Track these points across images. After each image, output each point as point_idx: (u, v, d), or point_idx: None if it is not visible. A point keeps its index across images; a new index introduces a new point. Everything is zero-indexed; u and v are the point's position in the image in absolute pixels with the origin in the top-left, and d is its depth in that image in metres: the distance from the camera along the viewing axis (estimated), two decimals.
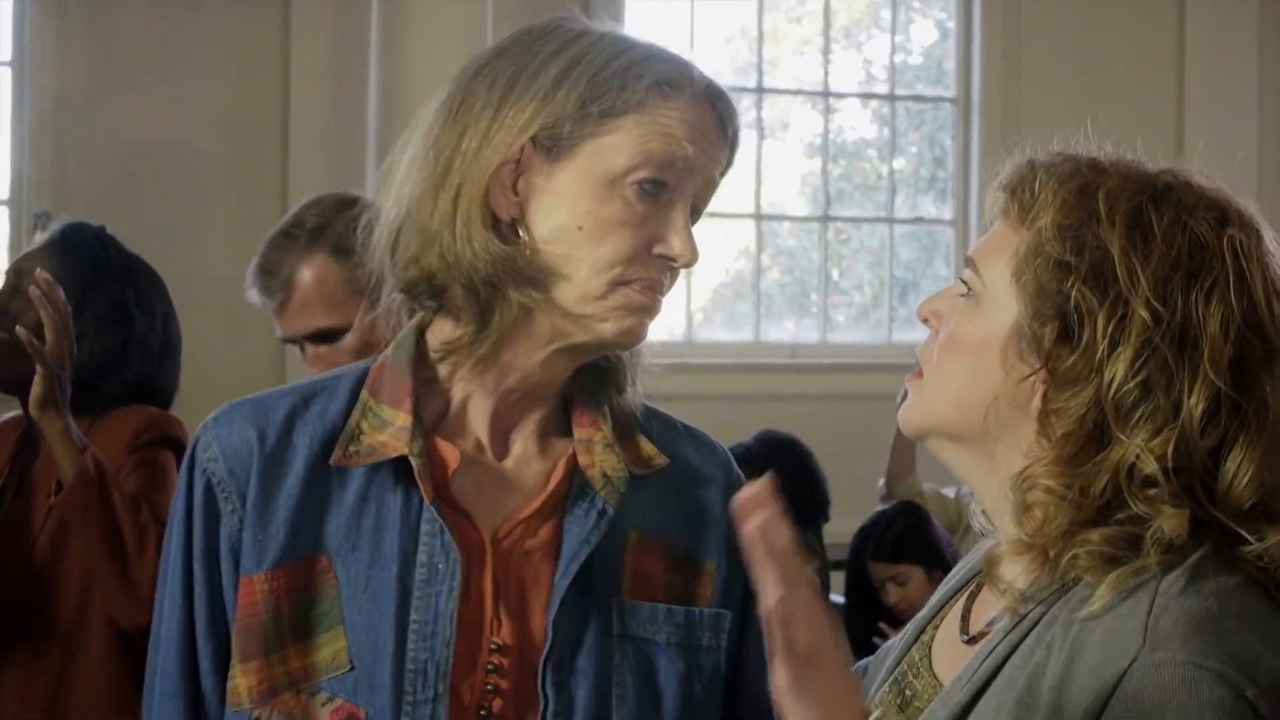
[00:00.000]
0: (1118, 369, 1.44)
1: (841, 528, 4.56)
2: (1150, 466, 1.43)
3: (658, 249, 1.56)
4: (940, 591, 1.73)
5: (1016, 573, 1.50)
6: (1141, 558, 1.42)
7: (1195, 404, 1.43)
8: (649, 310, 1.58)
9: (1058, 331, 1.47)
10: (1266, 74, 6.50)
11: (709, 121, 1.58)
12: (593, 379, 1.66)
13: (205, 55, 5.49)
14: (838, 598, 4.65)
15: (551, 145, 1.53)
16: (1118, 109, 5.99)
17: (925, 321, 1.62)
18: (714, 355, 6.30)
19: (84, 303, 2.89)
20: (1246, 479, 1.45)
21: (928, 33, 7.03)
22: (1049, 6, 6.58)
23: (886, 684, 1.66)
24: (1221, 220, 1.49)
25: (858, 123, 6.93)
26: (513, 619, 1.57)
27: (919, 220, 6.89)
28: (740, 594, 1.70)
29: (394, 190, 1.60)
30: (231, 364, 4.60)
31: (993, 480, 1.54)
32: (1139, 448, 1.43)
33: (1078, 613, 1.44)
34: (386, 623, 1.54)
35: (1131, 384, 1.43)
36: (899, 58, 6.95)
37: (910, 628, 1.72)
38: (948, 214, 6.90)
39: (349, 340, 2.61)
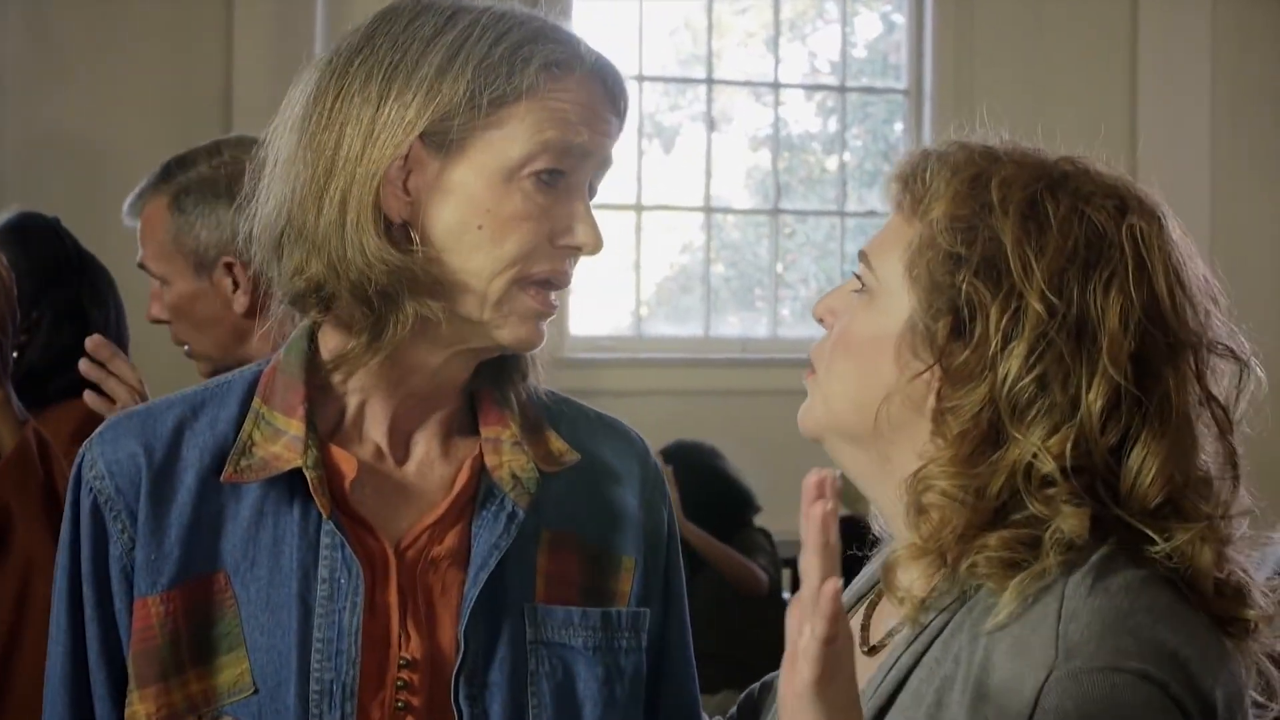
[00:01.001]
0: (1011, 365, 1.39)
1: (792, 524, 4.51)
2: (1048, 465, 1.38)
3: (562, 240, 1.50)
4: (853, 589, 1.68)
5: (914, 578, 1.45)
6: (1041, 560, 1.37)
7: (1094, 400, 1.38)
8: (545, 315, 1.52)
9: (950, 326, 1.42)
10: (1220, 62, 6.49)
11: (600, 100, 1.51)
12: (496, 369, 1.60)
13: (146, 44, 5.40)
14: (790, 596, 4.63)
15: (441, 141, 1.46)
16: (1070, 99, 6.03)
17: (821, 321, 1.57)
18: (663, 350, 6.20)
19: (41, 297, 2.85)
20: (1150, 477, 1.39)
21: (872, 26, 7.02)
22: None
23: None
24: (1121, 208, 1.44)
25: (801, 116, 6.91)
26: (421, 632, 1.52)
27: (871, 214, 6.89)
28: (661, 590, 1.65)
29: (270, 189, 1.53)
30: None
31: (888, 483, 1.48)
32: (1035, 446, 1.38)
33: (983, 624, 1.38)
34: (289, 642, 1.48)
35: (1026, 380, 1.39)
36: (848, 51, 6.93)
37: None
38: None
39: (167, 299, 2.55)
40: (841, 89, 6.89)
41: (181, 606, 1.49)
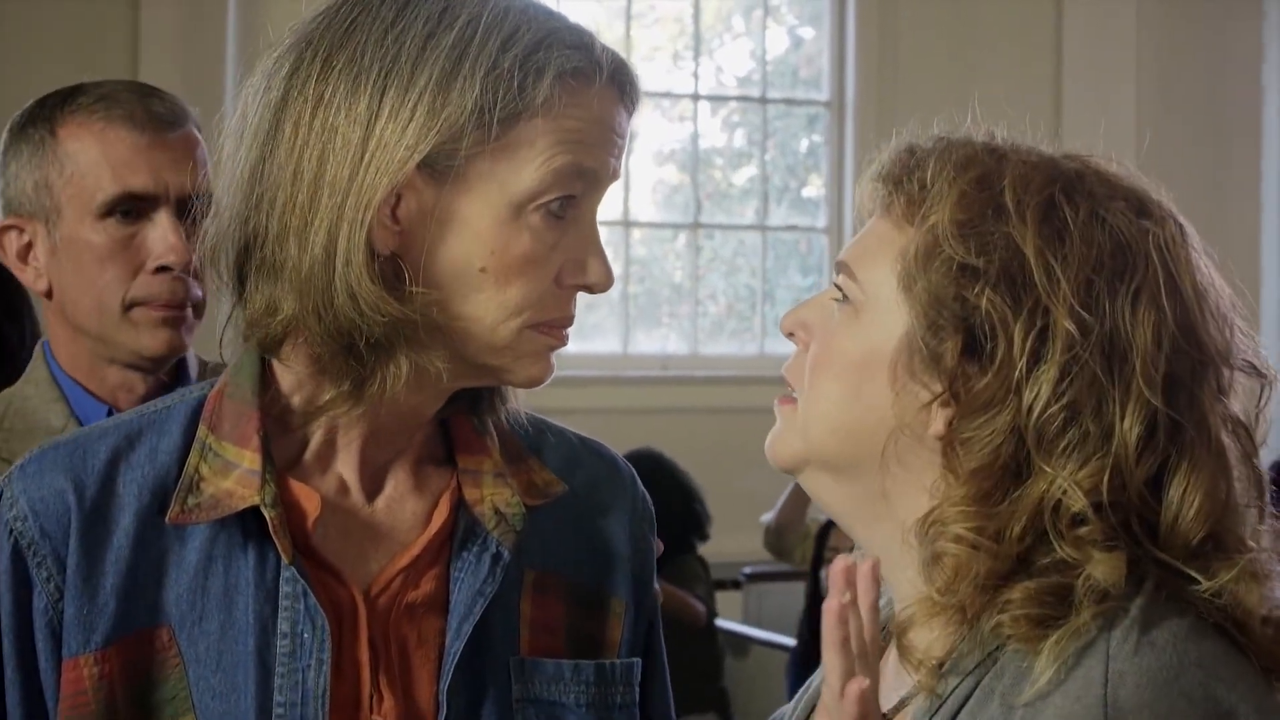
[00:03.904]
0: (1040, 390, 1.24)
1: (721, 547, 4.45)
2: (1079, 503, 1.23)
3: (571, 279, 1.33)
4: None
5: (931, 638, 1.29)
6: (1075, 616, 1.22)
7: (1129, 427, 1.24)
8: (556, 348, 1.35)
9: (961, 346, 1.27)
10: (1144, 79, 6.55)
11: (618, 114, 1.33)
12: (472, 393, 1.42)
13: (49, 53, 5.21)
14: (726, 623, 4.57)
15: (441, 166, 1.26)
16: (996, 107, 6.00)
17: (791, 336, 1.40)
18: (581, 367, 6.06)
19: None
20: (1193, 511, 1.25)
21: (779, 40, 6.97)
22: (924, 8, 6.55)
23: None
24: (1140, 212, 1.31)
25: (706, 130, 6.85)
26: (395, 691, 1.33)
27: (793, 228, 6.82)
28: (644, 635, 1.49)
29: (226, 202, 1.32)
30: None
31: (885, 524, 1.33)
32: (1065, 482, 1.23)
33: (1017, 693, 1.23)
34: (245, 707, 1.30)
35: (1056, 407, 1.24)
36: (751, 65, 6.89)
37: (805, 693, 1.49)
38: (805, 221, 6.85)
39: None
40: (763, 100, 6.84)
41: (119, 666, 1.30)
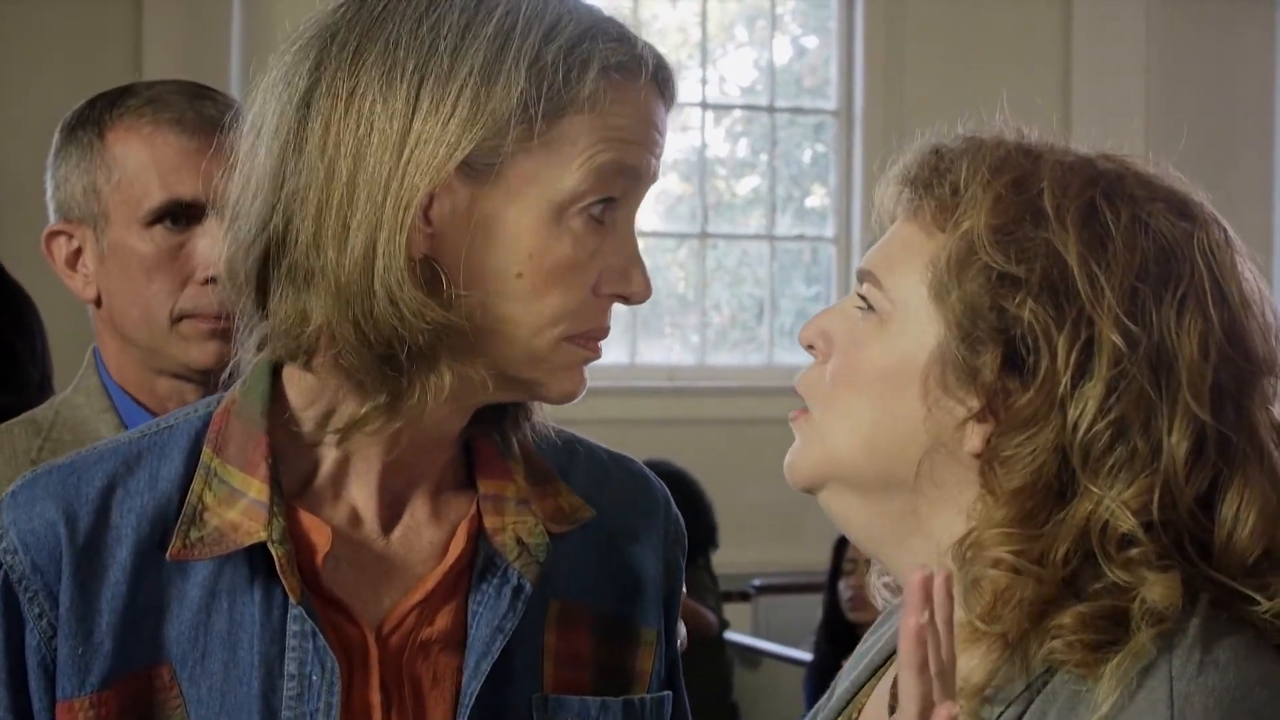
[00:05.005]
0: (1086, 406, 1.18)
1: (729, 557, 4.40)
2: (1127, 523, 1.17)
3: (609, 289, 1.25)
4: (862, 664, 1.45)
5: (971, 665, 1.23)
6: (1134, 638, 1.17)
7: (1178, 443, 1.18)
8: (590, 360, 1.28)
9: (1001, 359, 1.21)
10: (1153, 84, 6.51)
11: (659, 113, 1.25)
12: (496, 410, 1.33)
13: (50, 55, 5.19)
14: (736, 635, 4.52)
15: (480, 165, 1.19)
16: (1004, 119, 5.98)
17: (811, 347, 1.34)
18: (589, 378, 6.02)
19: None
20: (1249, 528, 1.20)
21: (782, 50, 6.93)
22: (931, 17, 6.49)
23: None
24: (1182, 215, 1.25)
25: (709, 140, 6.81)
26: None
27: (800, 238, 6.78)
28: (669, 663, 1.41)
29: (245, 201, 1.24)
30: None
31: (916, 545, 1.27)
32: (1113, 501, 1.18)
33: (1076, 717, 1.18)
34: None
35: (1102, 424, 1.18)
36: (754, 74, 6.84)
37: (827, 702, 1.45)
38: (808, 230, 6.81)
39: None
40: (770, 109, 6.79)
41: (116, 709, 1.23)
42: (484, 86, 1.17)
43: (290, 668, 1.23)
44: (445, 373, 1.20)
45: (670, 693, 1.39)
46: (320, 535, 1.25)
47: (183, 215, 1.77)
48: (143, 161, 1.77)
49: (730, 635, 4.59)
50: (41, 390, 2.71)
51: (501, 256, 1.21)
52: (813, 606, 4.98)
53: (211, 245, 1.74)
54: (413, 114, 1.17)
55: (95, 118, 1.82)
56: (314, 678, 1.22)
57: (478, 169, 1.19)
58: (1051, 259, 1.21)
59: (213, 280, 1.74)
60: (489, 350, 1.22)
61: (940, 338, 1.24)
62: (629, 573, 1.38)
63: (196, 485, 1.26)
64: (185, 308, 1.78)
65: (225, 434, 1.27)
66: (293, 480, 1.27)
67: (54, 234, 1.84)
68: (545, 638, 1.32)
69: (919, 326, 1.26)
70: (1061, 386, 1.19)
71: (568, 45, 1.19)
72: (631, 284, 1.26)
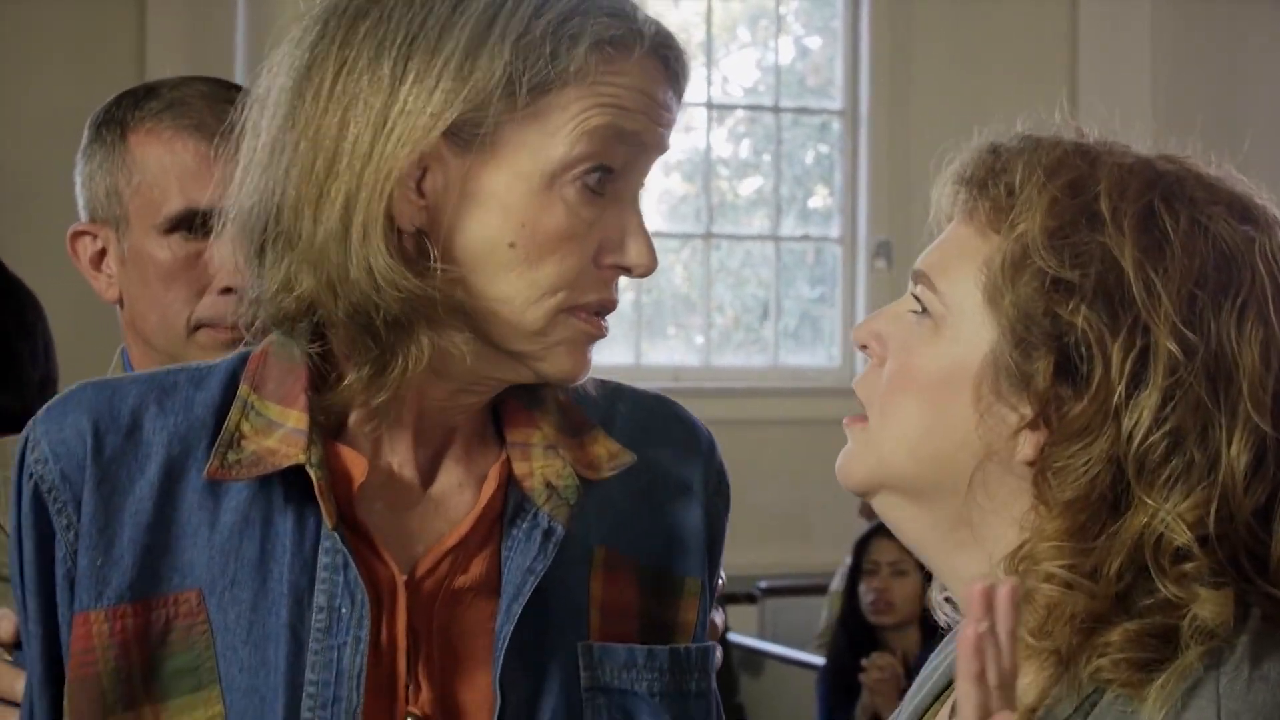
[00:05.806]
0: (1141, 416, 1.15)
1: (734, 559, 4.36)
2: (1183, 537, 1.15)
3: (610, 259, 1.24)
4: (927, 686, 1.41)
5: (1024, 684, 1.19)
6: (1182, 656, 1.14)
7: (1237, 455, 1.16)
8: (596, 338, 1.27)
9: (1054, 366, 1.19)
10: (1160, 87, 6.50)
11: (661, 83, 1.24)
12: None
13: (54, 53, 5.19)
14: (739, 636, 4.50)
15: (469, 136, 1.20)
16: (1010, 119, 5.99)
17: (864, 348, 1.32)
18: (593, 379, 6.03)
19: None
20: None
21: (785, 50, 6.93)
22: (936, 16, 6.48)
23: None
24: (1244, 218, 1.22)
25: (712, 140, 6.80)
26: (434, 684, 1.24)
27: (805, 238, 6.77)
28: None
29: (249, 175, 1.25)
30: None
31: (969, 554, 1.25)
32: (1168, 514, 1.15)
33: None
34: (275, 683, 1.20)
35: (1158, 434, 1.15)
36: (756, 75, 6.83)
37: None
38: (811, 231, 6.79)
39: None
40: (776, 109, 6.78)
41: (136, 627, 1.22)
42: (469, 60, 1.18)
43: (320, 599, 1.22)
44: (423, 342, 1.21)
45: (714, 644, 1.37)
46: (357, 467, 1.25)
47: (201, 223, 1.73)
48: (163, 166, 1.75)
49: (736, 637, 4.57)
50: (42, 391, 2.67)
51: (494, 226, 1.21)
52: (819, 609, 4.96)
53: (229, 255, 1.74)
54: (397, 85, 1.18)
55: (120, 117, 1.80)
56: (343, 610, 1.21)
57: (466, 139, 1.20)
58: (1107, 264, 1.18)
59: (230, 290, 1.72)
60: (476, 324, 1.22)
61: (994, 343, 1.22)
62: (672, 521, 1.37)
63: (234, 415, 1.26)
64: (202, 317, 1.76)
65: (263, 373, 1.28)
66: (330, 418, 1.27)
67: (79, 234, 1.82)
68: (591, 584, 1.31)
69: (972, 330, 1.24)
70: (1116, 396, 1.16)
71: (557, 20, 1.19)
72: (629, 255, 1.25)
